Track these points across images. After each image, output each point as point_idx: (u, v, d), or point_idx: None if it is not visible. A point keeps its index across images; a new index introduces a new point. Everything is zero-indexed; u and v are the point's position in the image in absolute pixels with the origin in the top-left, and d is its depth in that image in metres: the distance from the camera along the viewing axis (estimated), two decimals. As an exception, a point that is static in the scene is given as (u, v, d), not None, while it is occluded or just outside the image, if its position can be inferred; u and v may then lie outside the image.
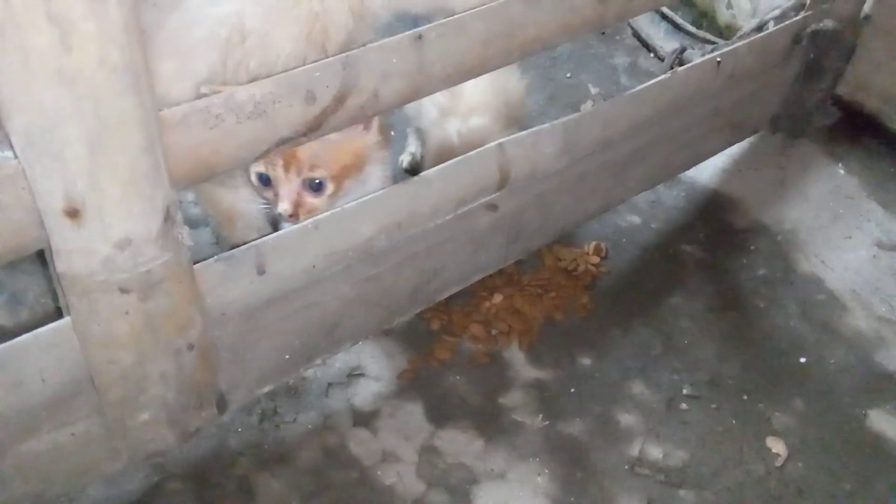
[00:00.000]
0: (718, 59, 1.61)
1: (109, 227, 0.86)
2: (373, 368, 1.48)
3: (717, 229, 1.87)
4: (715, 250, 1.81)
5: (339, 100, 1.05)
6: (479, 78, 1.24)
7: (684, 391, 1.50)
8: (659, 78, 1.54)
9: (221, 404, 1.17)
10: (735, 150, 1.99)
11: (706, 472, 1.38)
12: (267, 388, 1.24)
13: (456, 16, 1.12)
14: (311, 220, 1.14)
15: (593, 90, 2.28)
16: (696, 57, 2.10)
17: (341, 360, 1.48)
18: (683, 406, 1.48)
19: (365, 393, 1.43)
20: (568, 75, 2.27)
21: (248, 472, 1.28)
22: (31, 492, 1.05)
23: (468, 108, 1.63)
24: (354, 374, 1.46)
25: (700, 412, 1.47)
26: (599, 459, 1.38)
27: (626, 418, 1.45)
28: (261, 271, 1.10)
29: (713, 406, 1.49)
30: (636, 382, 1.51)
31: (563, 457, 1.38)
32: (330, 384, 1.44)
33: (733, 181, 1.99)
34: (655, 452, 1.40)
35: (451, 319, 1.58)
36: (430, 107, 1.68)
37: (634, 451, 1.40)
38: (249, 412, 1.36)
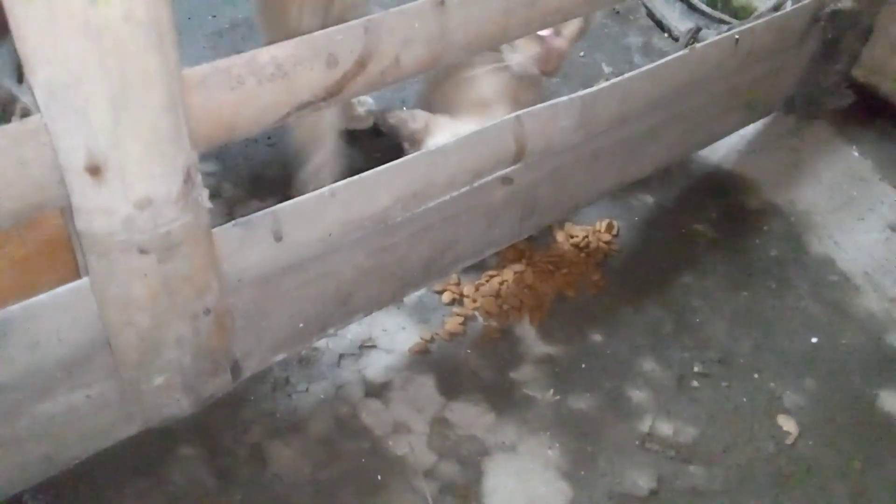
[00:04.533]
0: (737, 37, 1.59)
1: (130, 187, 0.85)
2: (385, 341, 1.47)
3: (729, 209, 1.86)
4: (727, 230, 1.81)
5: (361, 64, 1.04)
6: None
7: (695, 369, 1.50)
8: (677, 54, 1.52)
9: (235, 371, 1.17)
10: (749, 130, 1.98)
11: (716, 448, 1.39)
12: (280, 357, 1.24)
13: (481, -17, 1.11)
14: (327, 187, 1.13)
15: (606, 69, 2.27)
16: (712, 37, 2.09)
17: (353, 332, 1.47)
18: (694, 384, 1.48)
19: (377, 364, 1.43)
20: (581, 54, 2.26)
21: (261, 439, 1.28)
22: (44, 454, 1.05)
23: None
24: (366, 346, 1.46)
25: (711, 390, 1.47)
26: (610, 434, 1.38)
27: (637, 394, 1.45)
28: (278, 238, 1.09)
29: (724, 384, 1.48)
30: (647, 359, 1.51)
31: (573, 431, 1.38)
32: (342, 355, 1.44)
33: (747, 162, 1.98)
34: (666, 429, 1.40)
35: (462, 294, 1.58)
36: None
37: (645, 426, 1.40)
38: (262, 381, 1.36)
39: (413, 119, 1.69)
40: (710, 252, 1.75)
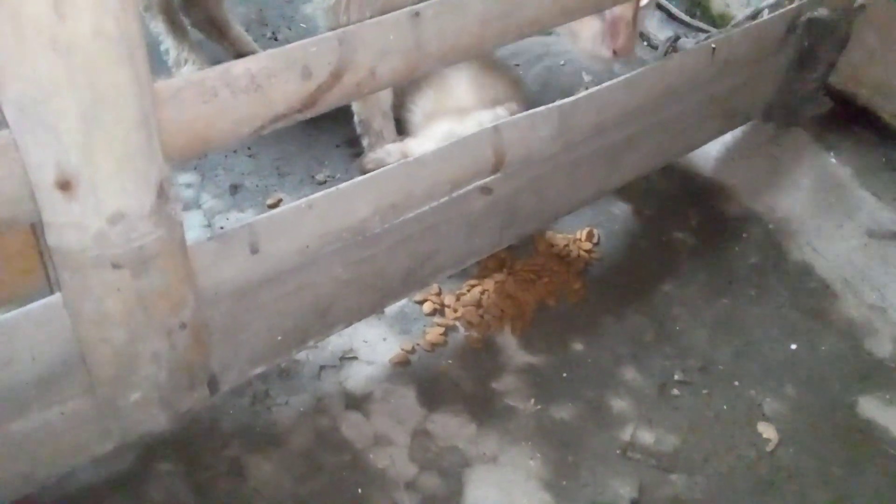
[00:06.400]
0: (714, 46, 1.61)
1: (102, 201, 0.85)
2: (365, 352, 1.47)
3: (709, 217, 1.87)
4: (707, 238, 1.82)
5: (336, 76, 1.04)
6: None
7: (676, 377, 1.51)
8: (655, 63, 1.53)
9: (213, 385, 1.16)
10: (728, 138, 1.99)
11: (697, 457, 1.39)
12: (259, 370, 1.23)
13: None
14: (305, 199, 1.13)
15: (586, 77, 2.28)
16: (690, 45, 2.11)
17: (333, 344, 1.47)
18: (675, 392, 1.49)
19: (357, 376, 1.43)
20: (562, 62, 2.27)
21: (240, 453, 1.27)
22: (20, 472, 1.03)
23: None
24: (347, 358, 1.45)
25: (692, 398, 1.48)
26: (591, 444, 1.38)
27: (618, 403, 1.45)
28: (254, 250, 1.08)
29: (705, 392, 1.49)
30: (628, 368, 1.51)
31: (555, 441, 1.37)
32: (322, 367, 1.43)
33: (726, 169, 1.99)
34: (647, 437, 1.40)
35: (444, 304, 1.57)
36: None
37: (626, 435, 1.40)
38: (241, 394, 1.35)
39: (388, 155, 1.71)
40: (690, 260, 1.76)
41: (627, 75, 1.48)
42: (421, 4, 1.08)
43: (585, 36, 1.50)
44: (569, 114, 1.40)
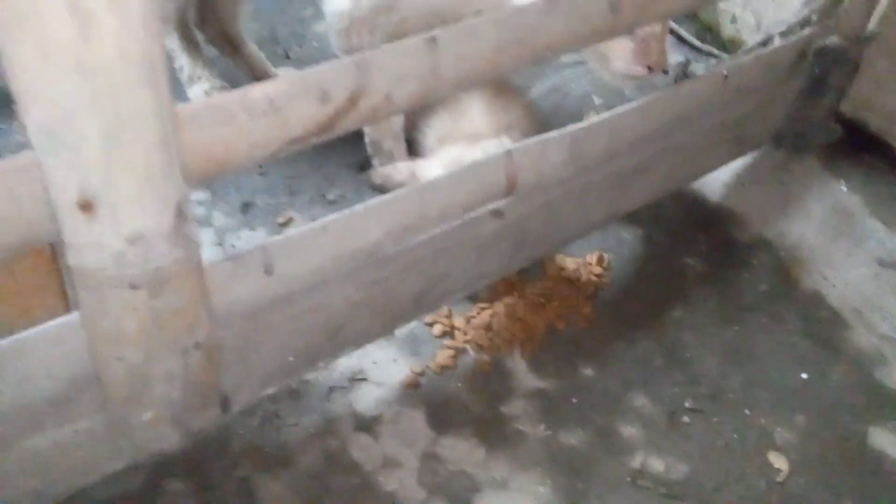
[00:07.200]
0: (725, 73, 1.62)
1: (122, 222, 0.86)
2: (375, 374, 1.47)
3: (719, 243, 1.87)
4: (717, 264, 1.82)
5: (352, 101, 1.05)
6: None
7: (686, 404, 1.50)
8: (667, 89, 1.54)
9: (225, 405, 1.16)
10: (738, 164, 1.99)
11: (708, 486, 1.38)
12: (270, 390, 1.23)
13: (470, 21, 1.12)
14: (319, 221, 1.14)
15: (597, 101, 2.30)
16: (701, 71, 2.12)
17: (343, 365, 1.47)
18: (685, 419, 1.48)
19: (367, 398, 1.43)
20: (572, 85, 2.28)
21: (250, 474, 1.27)
22: (33, 488, 1.04)
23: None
24: (356, 379, 1.45)
25: (702, 426, 1.47)
26: (601, 471, 1.38)
27: (628, 430, 1.45)
28: (269, 271, 1.09)
29: (715, 420, 1.48)
30: (638, 394, 1.51)
31: (564, 467, 1.37)
32: (332, 388, 1.43)
33: (736, 195, 1.99)
34: (657, 465, 1.40)
35: (453, 326, 1.58)
36: None
37: (636, 463, 1.40)
38: (251, 414, 1.35)
39: (397, 171, 1.73)
40: (700, 286, 1.76)
41: (640, 101, 1.49)
42: (436, 31, 1.10)
43: (616, 56, 1.53)
44: (581, 139, 1.41)
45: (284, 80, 0.97)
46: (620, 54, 1.52)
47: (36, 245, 0.87)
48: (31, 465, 1.01)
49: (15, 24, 0.71)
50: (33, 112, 0.76)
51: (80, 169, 0.81)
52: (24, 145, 0.80)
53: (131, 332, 0.95)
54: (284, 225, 1.77)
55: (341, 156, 1.96)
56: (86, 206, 0.83)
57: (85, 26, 0.72)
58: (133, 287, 0.92)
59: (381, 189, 1.76)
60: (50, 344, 0.93)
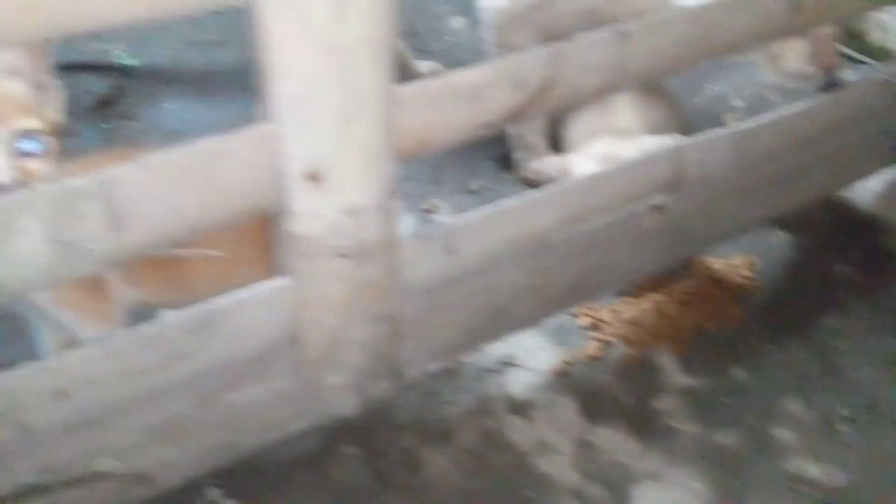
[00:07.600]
0: (890, 79, 1.58)
1: (344, 195, 0.92)
2: (525, 360, 1.50)
3: (871, 252, 1.81)
4: (870, 273, 1.76)
5: (544, 89, 1.08)
6: None
7: (842, 412, 1.47)
8: (831, 94, 1.52)
9: (398, 376, 1.21)
10: (890, 172, 1.93)
11: (867, 495, 1.35)
12: (436, 366, 1.28)
13: (661, 15, 1.14)
14: (498, 205, 1.17)
15: (736, 104, 2.26)
16: (850, 78, 2.05)
17: (495, 349, 1.50)
18: (842, 428, 1.45)
19: (518, 382, 1.46)
20: (715, 87, 2.25)
21: (413, 445, 1.33)
22: (227, 441, 1.11)
23: None
24: (508, 364, 1.49)
25: (859, 435, 1.44)
26: (756, 471, 1.36)
27: (782, 434, 1.43)
28: (450, 251, 1.14)
29: (873, 430, 1.44)
30: (791, 399, 1.49)
31: (718, 465, 1.36)
32: (484, 370, 1.47)
33: (887, 204, 1.92)
34: (814, 471, 1.37)
35: (601, 319, 1.59)
36: None
37: (792, 467, 1.38)
38: (412, 388, 1.40)
39: (548, 166, 1.74)
40: (852, 294, 1.71)
41: (806, 104, 1.47)
42: (628, 24, 1.11)
43: (790, 56, 1.56)
44: (747, 138, 1.40)
45: (488, 67, 1.01)
46: (794, 55, 1.52)
47: (261, 212, 0.94)
48: (230, 418, 1.09)
49: (280, 1, 0.77)
50: (282, 85, 0.83)
51: (315, 141, 0.87)
52: (254, 119, 0.86)
53: (335, 299, 1.01)
54: (428, 211, 1.82)
55: (482, 149, 2.00)
56: (314, 177, 0.89)
57: (341, 7, 0.78)
58: (342, 256, 0.97)
59: (530, 183, 1.78)
60: (262, 305, 1.00)
